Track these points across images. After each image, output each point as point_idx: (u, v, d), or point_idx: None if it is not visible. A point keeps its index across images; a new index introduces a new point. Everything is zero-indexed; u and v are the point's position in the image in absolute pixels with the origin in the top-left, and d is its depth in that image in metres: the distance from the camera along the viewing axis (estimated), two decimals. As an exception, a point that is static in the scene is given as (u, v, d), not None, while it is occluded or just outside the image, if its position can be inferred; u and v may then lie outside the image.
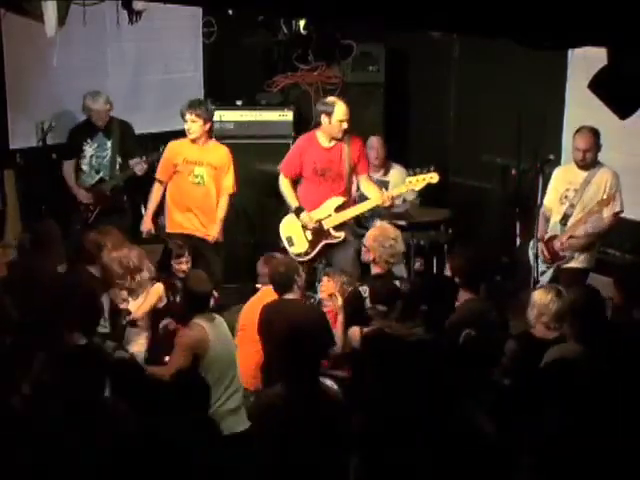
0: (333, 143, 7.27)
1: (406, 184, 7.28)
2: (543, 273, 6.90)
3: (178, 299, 6.65)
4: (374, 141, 8.14)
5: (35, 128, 7.91)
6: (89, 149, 7.85)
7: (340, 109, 7.20)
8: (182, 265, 6.89)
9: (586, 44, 3.67)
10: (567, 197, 6.89)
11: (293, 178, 7.42)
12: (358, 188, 7.53)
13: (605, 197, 6.75)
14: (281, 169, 7.51)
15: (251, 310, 6.31)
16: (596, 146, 6.79)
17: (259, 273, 6.70)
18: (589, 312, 5.20)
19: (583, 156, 6.79)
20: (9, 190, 7.79)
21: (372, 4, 3.53)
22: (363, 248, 6.69)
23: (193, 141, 7.46)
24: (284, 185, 7.44)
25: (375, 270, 6.59)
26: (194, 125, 7.37)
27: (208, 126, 7.48)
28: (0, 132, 7.83)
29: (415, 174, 7.18)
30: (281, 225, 7.55)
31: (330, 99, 7.41)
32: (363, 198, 7.51)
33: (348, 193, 7.34)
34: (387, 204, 7.29)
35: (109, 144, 7.86)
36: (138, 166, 7.71)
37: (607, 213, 6.78)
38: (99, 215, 7.77)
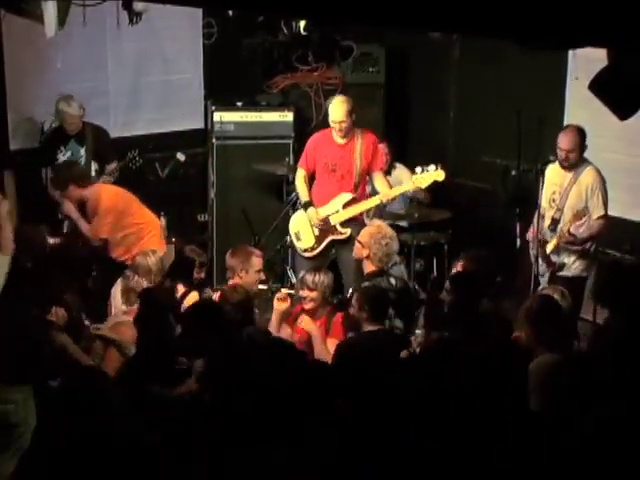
0: (346, 140, 7.24)
1: (413, 182, 7.27)
2: (543, 274, 6.89)
3: None
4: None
5: (35, 128, 7.94)
6: (62, 157, 7.73)
7: (332, 112, 7.17)
8: (202, 274, 6.91)
9: (586, 44, 3.66)
10: (554, 200, 6.83)
11: (308, 173, 7.40)
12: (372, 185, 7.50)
13: (576, 212, 6.66)
14: (298, 163, 7.53)
15: None
16: (580, 147, 6.64)
17: (228, 266, 6.57)
18: (545, 319, 5.12)
19: (566, 156, 6.66)
20: (9, 191, 7.77)
21: (372, 4, 3.53)
22: (357, 244, 6.69)
23: None
24: (298, 179, 7.45)
25: (369, 268, 6.60)
26: None
27: (70, 189, 7.23)
28: (0, 132, 7.82)
29: (422, 172, 7.17)
30: (291, 220, 7.59)
31: (332, 99, 7.35)
32: (375, 194, 7.50)
33: (357, 189, 7.32)
34: (390, 200, 7.33)
35: (82, 151, 7.74)
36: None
37: (593, 217, 6.70)
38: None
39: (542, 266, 6.86)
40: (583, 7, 3.18)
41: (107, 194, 7.31)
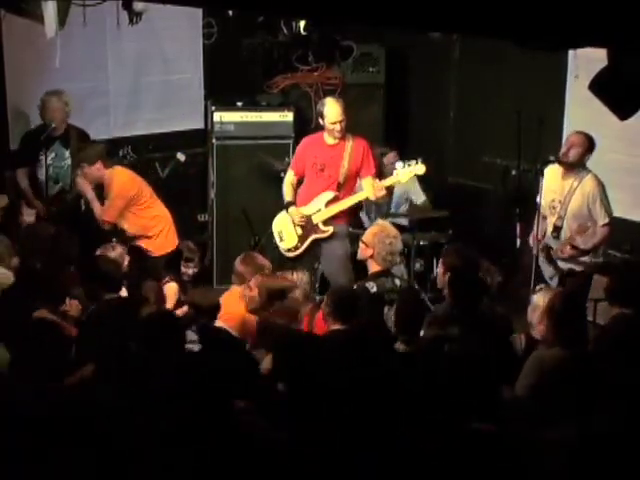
0: (337, 141, 7.23)
1: (394, 176, 7.28)
2: (552, 278, 6.88)
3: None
4: (390, 157, 8.08)
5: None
6: (46, 159, 7.54)
7: (331, 112, 7.14)
8: (189, 270, 6.93)
9: (586, 44, 3.66)
10: (555, 208, 6.83)
11: (299, 176, 7.42)
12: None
13: (580, 224, 6.70)
14: (290, 165, 7.58)
15: None
16: (583, 148, 6.65)
17: (235, 272, 6.50)
18: (567, 315, 5.10)
19: (567, 151, 6.68)
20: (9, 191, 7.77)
21: (372, 4, 3.53)
22: (361, 245, 6.68)
23: None
24: (287, 180, 7.48)
25: (373, 268, 6.58)
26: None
27: (96, 167, 7.24)
28: (0, 132, 7.82)
29: (404, 167, 7.21)
30: (274, 221, 7.57)
31: (324, 100, 7.32)
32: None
33: (341, 190, 7.29)
34: (380, 194, 7.23)
35: (67, 154, 7.64)
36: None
37: (599, 223, 6.71)
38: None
39: (550, 269, 6.87)
40: (583, 7, 3.18)
41: (121, 177, 7.29)
